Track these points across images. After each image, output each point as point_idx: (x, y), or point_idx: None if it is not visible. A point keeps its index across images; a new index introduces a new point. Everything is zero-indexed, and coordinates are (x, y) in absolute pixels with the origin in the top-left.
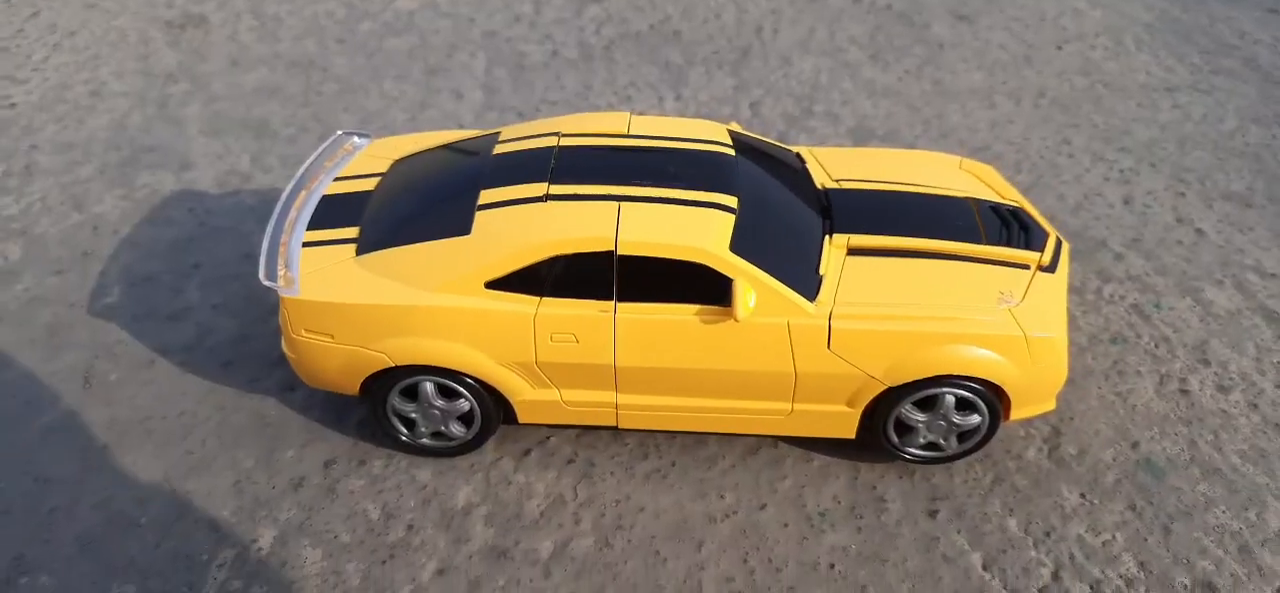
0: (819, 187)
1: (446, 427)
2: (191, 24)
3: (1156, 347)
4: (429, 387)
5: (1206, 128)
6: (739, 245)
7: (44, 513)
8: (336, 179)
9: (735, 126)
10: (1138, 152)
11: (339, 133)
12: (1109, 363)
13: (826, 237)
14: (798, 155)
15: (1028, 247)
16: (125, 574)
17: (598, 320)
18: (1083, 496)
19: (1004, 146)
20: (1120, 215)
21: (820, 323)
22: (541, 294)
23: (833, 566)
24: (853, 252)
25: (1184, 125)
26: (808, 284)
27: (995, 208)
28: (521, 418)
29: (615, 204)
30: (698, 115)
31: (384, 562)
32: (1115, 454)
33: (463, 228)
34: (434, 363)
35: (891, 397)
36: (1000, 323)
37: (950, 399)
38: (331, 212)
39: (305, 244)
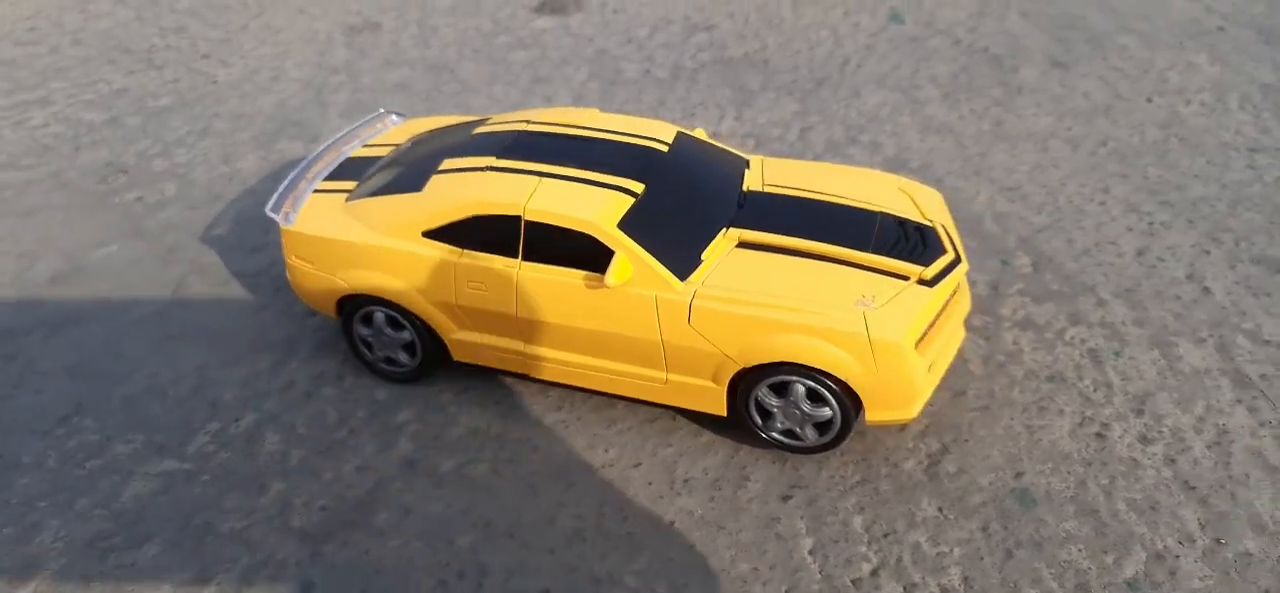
0: (744, 189)
1: (394, 354)
2: (368, 28)
3: (1095, 391)
4: (380, 316)
5: (1273, 191)
6: (629, 224)
7: (107, 378)
8: (365, 145)
9: (701, 132)
10: (1181, 207)
11: (381, 110)
12: (1035, 398)
13: (723, 230)
14: (746, 162)
15: (917, 262)
16: (141, 427)
17: (504, 274)
18: (940, 510)
19: (1035, 188)
20: (1125, 265)
21: (684, 300)
22: (464, 247)
23: (673, 523)
24: (742, 245)
25: (1249, 186)
26: (684, 266)
27: (901, 223)
28: (455, 355)
29: (537, 179)
30: (751, 135)
31: (321, 453)
32: (993, 480)
33: (418, 187)
34: (380, 294)
35: (749, 378)
36: (846, 320)
37: (800, 388)
38: (348, 170)
39: (316, 190)
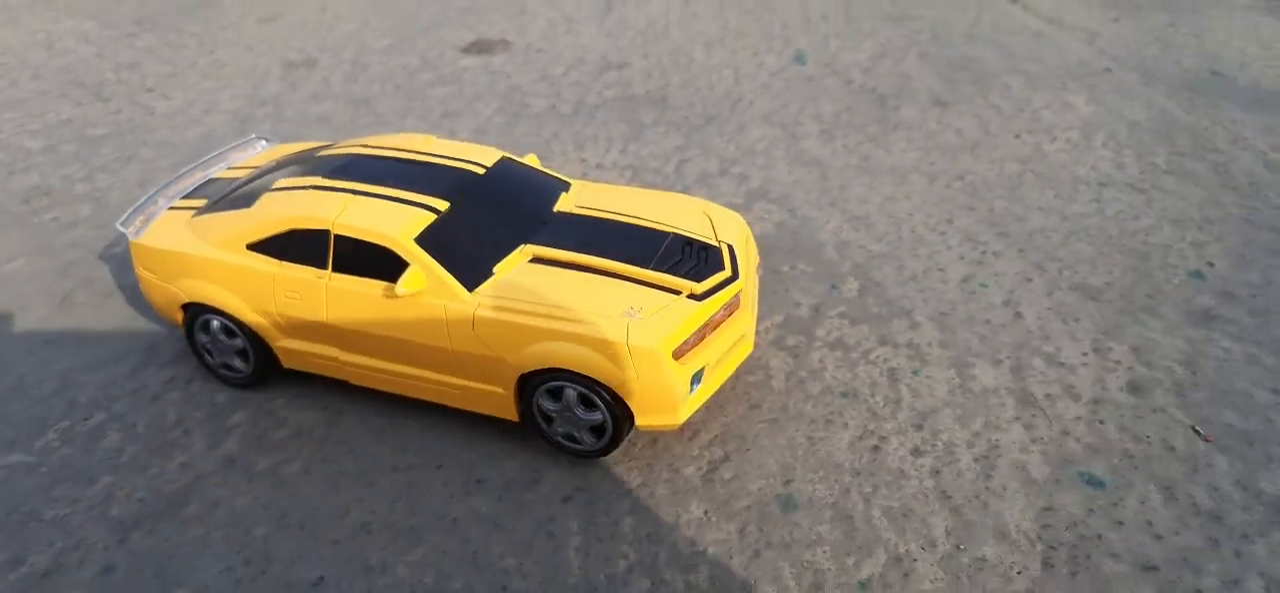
0: (554, 210)
1: (230, 360)
2: (305, 64)
3: (883, 407)
4: (215, 323)
5: (1109, 224)
6: (426, 238)
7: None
8: (228, 167)
9: (532, 159)
10: (1017, 237)
11: (252, 136)
12: (825, 412)
13: (521, 246)
14: (565, 186)
15: (692, 278)
16: (14, 404)
17: (314, 285)
18: (706, 513)
19: (882, 218)
20: (947, 291)
21: (469, 309)
22: (282, 259)
23: (457, 520)
24: (535, 260)
25: (1088, 218)
26: (473, 277)
27: (688, 243)
28: (284, 362)
29: (350, 196)
30: (630, 166)
31: (153, 449)
32: (762, 486)
33: (250, 204)
34: (211, 303)
35: (530, 383)
36: (609, 329)
37: (572, 394)
38: (204, 189)
39: (171, 207)
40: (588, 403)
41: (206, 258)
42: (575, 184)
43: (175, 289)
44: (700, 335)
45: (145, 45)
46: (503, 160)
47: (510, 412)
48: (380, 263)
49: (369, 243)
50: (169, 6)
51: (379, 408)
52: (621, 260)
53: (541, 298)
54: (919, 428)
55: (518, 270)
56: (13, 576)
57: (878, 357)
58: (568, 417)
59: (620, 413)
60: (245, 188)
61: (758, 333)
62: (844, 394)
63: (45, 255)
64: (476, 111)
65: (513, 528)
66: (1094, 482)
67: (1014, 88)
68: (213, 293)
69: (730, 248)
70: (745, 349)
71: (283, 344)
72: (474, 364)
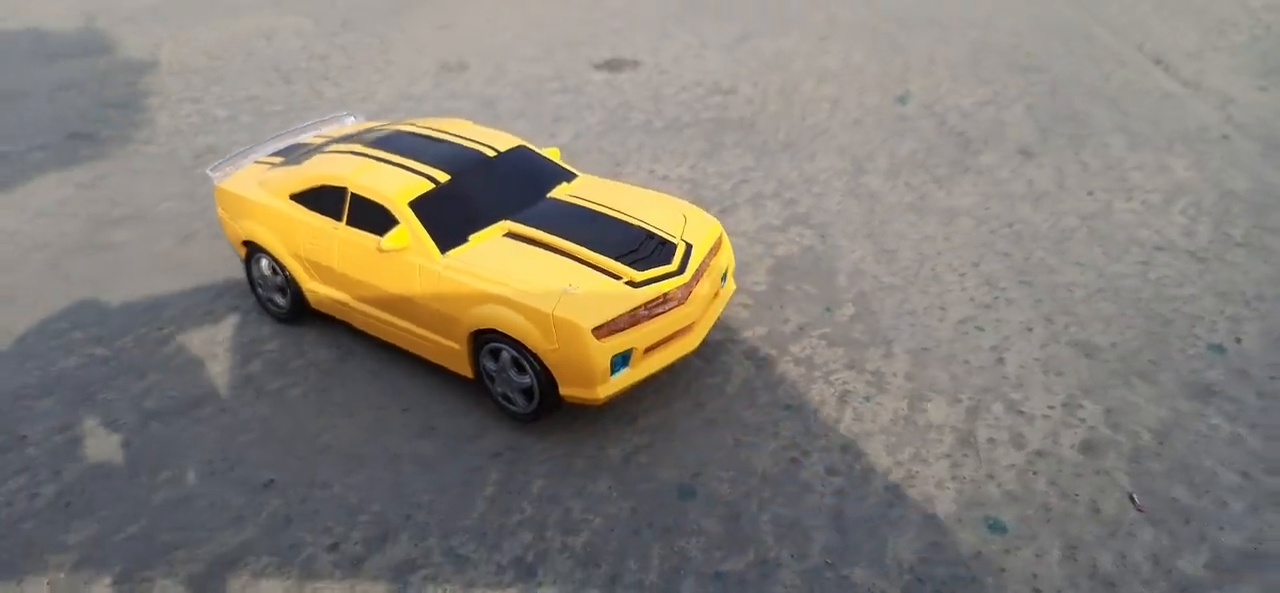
0: (547, 196)
1: (272, 296)
2: (458, 67)
3: (819, 425)
4: (264, 262)
5: (1145, 287)
6: (419, 203)
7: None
8: (315, 135)
9: (553, 152)
10: (1040, 288)
11: (343, 112)
12: (762, 420)
13: (502, 221)
14: (570, 176)
15: (637, 267)
16: (116, 311)
17: (330, 233)
18: (609, 489)
19: (909, 254)
20: (937, 329)
21: (436, 268)
22: (312, 209)
23: (398, 456)
24: (509, 235)
25: (1125, 279)
26: (448, 242)
27: (649, 236)
28: (310, 302)
29: (374, 162)
30: (688, 181)
31: (196, 360)
32: (671, 475)
33: (302, 162)
34: (259, 242)
35: (477, 343)
36: (540, 299)
37: (507, 356)
38: (288, 151)
39: (256, 161)
40: (520, 367)
41: (260, 203)
42: (581, 177)
43: (239, 228)
44: (630, 320)
45: (341, 42)
46: (517, 149)
47: (466, 368)
48: (382, 220)
49: (374, 201)
50: (373, 10)
51: (380, 355)
52: (583, 244)
53: (495, 267)
54: (845, 450)
55: (490, 242)
56: (57, 438)
57: (838, 379)
58: (504, 377)
59: (547, 380)
60: (311, 151)
61: (735, 342)
62: (788, 408)
63: (190, 200)
64: (582, 119)
65: (441, 471)
66: (996, 527)
67: (1113, 146)
68: (262, 233)
69: (688, 247)
70: (687, 345)
71: (309, 285)
72: (437, 319)
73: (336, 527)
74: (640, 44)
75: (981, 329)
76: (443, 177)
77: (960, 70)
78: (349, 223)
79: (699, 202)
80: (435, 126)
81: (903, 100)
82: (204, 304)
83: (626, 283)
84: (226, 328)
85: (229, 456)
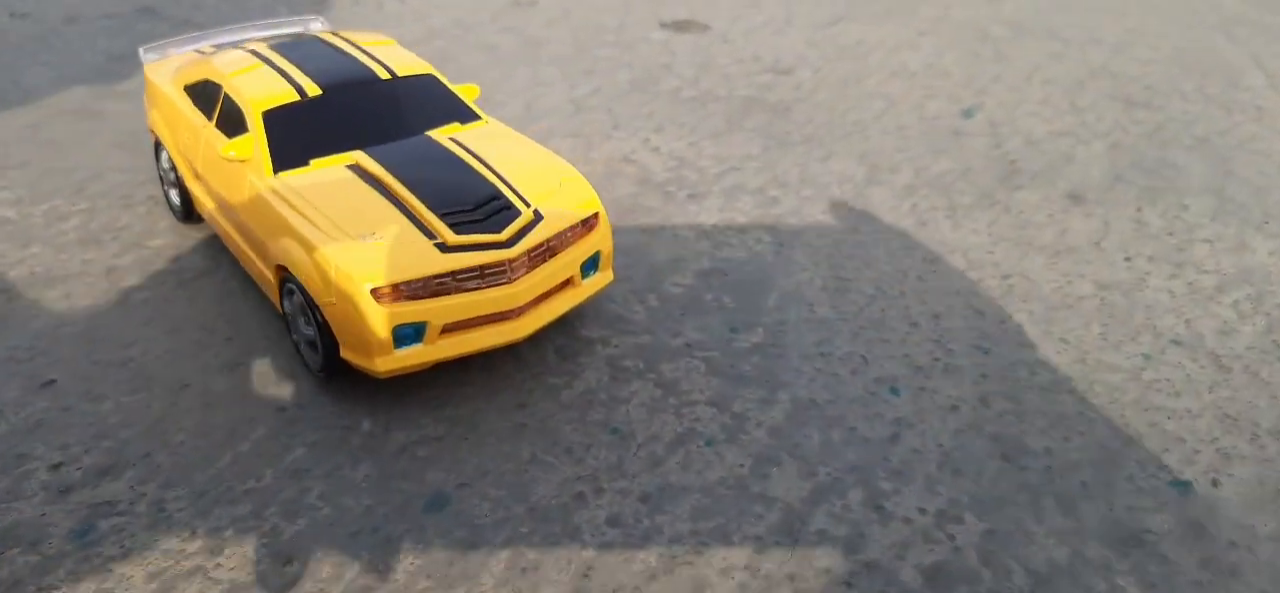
0: (425, 134)
1: (168, 191)
2: (527, 4)
3: (626, 464)
4: (164, 155)
5: (1134, 387)
6: (274, 115)
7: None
8: (263, 34)
9: (473, 90)
10: (998, 361)
11: (311, 16)
12: (576, 439)
13: (353, 151)
14: (471, 117)
15: (460, 230)
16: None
17: (200, 132)
18: (366, 476)
19: (865, 287)
20: (844, 384)
21: (262, 188)
22: (196, 104)
23: (186, 387)
24: (351, 166)
25: (1109, 374)
26: (286, 163)
27: (496, 197)
28: (196, 207)
29: (262, 65)
30: (680, 159)
31: (81, 248)
32: (439, 479)
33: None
34: (155, 132)
35: (281, 279)
36: (328, 244)
37: (297, 300)
38: (230, 46)
39: (196, 50)
40: (307, 316)
41: (162, 92)
42: (487, 122)
43: (149, 116)
44: (426, 288)
45: None
46: (419, 77)
47: (278, 302)
48: (242, 126)
49: (236, 104)
50: None
51: (245, 277)
52: (416, 192)
53: (313, 199)
54: (644, 501)
55: (327, 171)
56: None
57: (692, 415)
58: (295, 324)
59: (330, 337)
60: (235, 46)
61: (605, 344)
62: (614, 432)
63: None
64: (611, 76)
65: (214, 413)
66: None
67: (1192, 210)
68: (160, 124)
69: (535, 219)
70: (507, 333)
71: (190, 185)
72: (256, 243)
73: (73, 447)
74: (721, 9)
75: (896, 394)
76: (314, 91)
77: (1055, 92)
78: (217, 124)
79: (675, 183)
80: (351, 39)
81: (968, 113)
82: (128, 189)
83: (437, 244)
84: (129, 216)
85: (38, 346)
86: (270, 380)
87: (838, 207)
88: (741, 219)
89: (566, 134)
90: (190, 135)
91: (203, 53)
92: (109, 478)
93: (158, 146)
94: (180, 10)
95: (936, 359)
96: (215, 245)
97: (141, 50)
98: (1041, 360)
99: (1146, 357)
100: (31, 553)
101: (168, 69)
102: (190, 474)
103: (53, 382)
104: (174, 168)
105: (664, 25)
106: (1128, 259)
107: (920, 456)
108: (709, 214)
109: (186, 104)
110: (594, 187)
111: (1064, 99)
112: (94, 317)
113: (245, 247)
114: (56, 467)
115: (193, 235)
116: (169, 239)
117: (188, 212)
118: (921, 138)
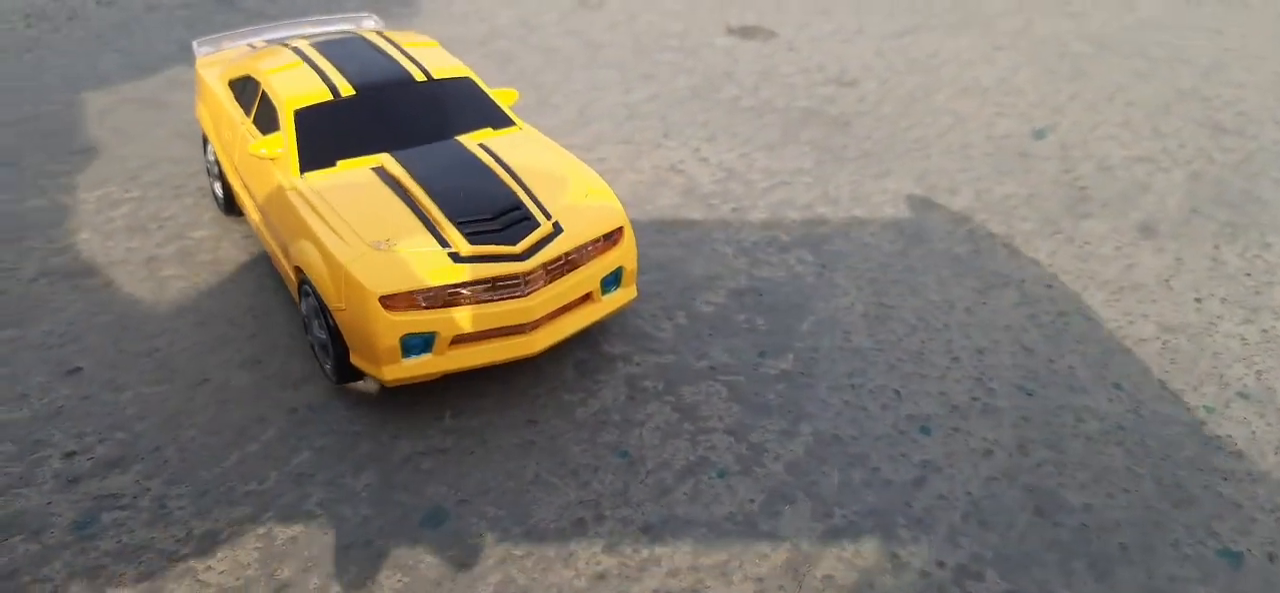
0: (455, 138)
1: (213, 183)
2: (595, 6)
3: (632, 491)
4: (210, 149)
5: (1190, 442)
6: (306, 113)
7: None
8: (320, 30)
9: (511, 94)
10: (1044, 406)
11: (364, 13)
12: (584, 461)
13: (381, 154)
14: (505, 123)
15: (475, 241)
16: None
17: (238, 128)
18: (367, 486)
19: (907, 316)
20: (873, 419)
21: (288, 187)
22: (238, 99)
23: (205, 381)
24: (377, 170)
25: (1165, 428)
26: (313, 163)
27: (516, 208)
28: (237, 201)
29: (301, 63)
30: (728, 170)
31: (127, 235)
32: (439, 493)
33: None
34: (201, 125)
35: (300, 280)
36: (342, 249)
37: (313, 302)
38: (283, 42)
39: (248, 44)
40: (321, 318)
41: (209, 86)
42: (521, 128)
43: (198, 108)
44: (437, 298)
45: None
46: (455, 79)
47: (299, 303)
48: (277, 123)
49: (272, 101)
50: None
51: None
52: (438, 200)
53: (334, 201)
54: (645, 532)
55: (353, 173)
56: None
57: (707, 442)
58: (312, 324)
59: (341, 342)
60: (281, 39)
61: (627, 362)
62: (623, 456)
63: None
64: (670, 82)
65: (228, 411)
66: None
67: (1276, 247)
68: (205, 118)
69: (554, 232)
70: (520, 347)
71: (231, 179)
72: (282, 243)
73: (88, 436)
74: (791, 15)
75: (926, 434)
76: (347, 91)
77: (1137, 115)
78: (255, 120)
79: (721, 195)
80: (393, 40)
81: (1039, 134)
82: (181, 180)
83: (451, 254)
84: (176, 206)
85: (71, 332)
86: (287, 380)
87: (888, 228)
88: (785, 237)
89: (616, 140)
90: (231, 130)
91: (254, 48)
92: (117, 471)
93: (206, 139)
94: (256, 1)
95: (975, 399)
96: (254, 240)
97: (195, 44)
98: (1090, 407)
99: (1208, 410)
100: (33, 542)
101: (217, 64)
102: (196, 472)
103: (79, 369)
104: (218, 161)
105: (730, 31)
106: (1198, 300)
107: (946, 503)
108: (752, 230)
109: (229, 99)
110: (637, 196)
111: (1145, 122)
112: (128, 305)
113: (273, 244)
114: (70, 455)
115: (234, 229)
116: (211, 231)
117: (230, 204)
118: (986, 158)
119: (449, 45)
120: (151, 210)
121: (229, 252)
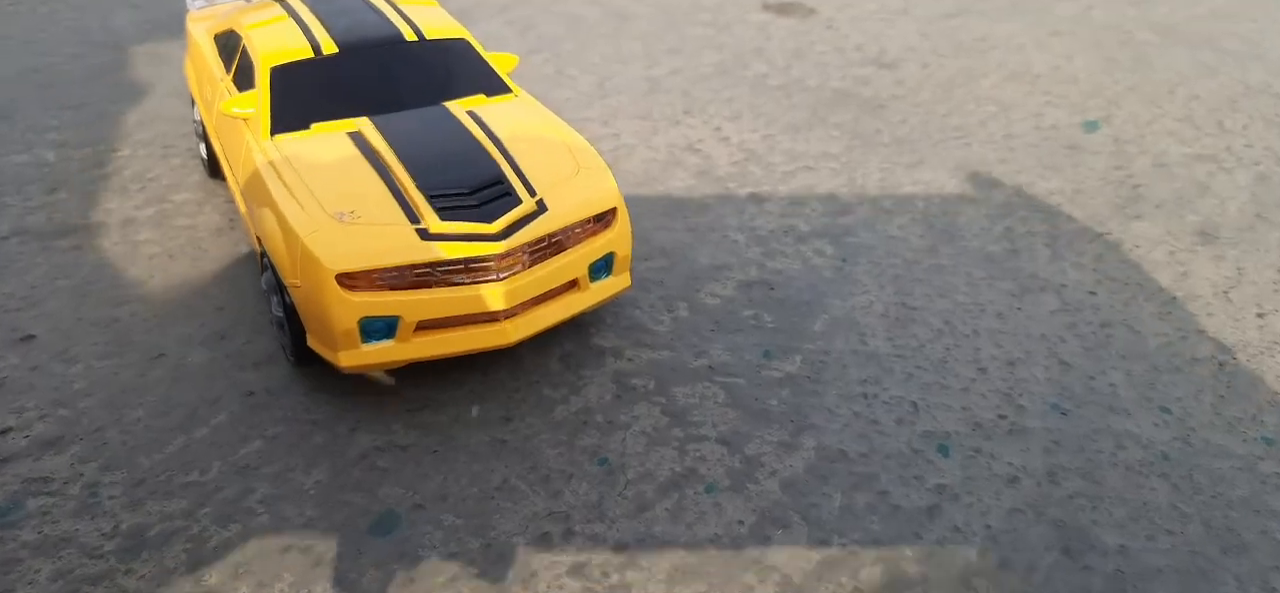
0: (443, 103)
1: (198, 144)
2: None
3: (607, 504)
4: (197, 108)
5: (1234, 473)
6: (283, 71)
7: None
8: None
9: (511, 59)
10: (1080, 424)
11: None
12: (558, 465)
13: (358, 118)
14: (501, 89)
15: (448, 217)
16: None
17: (218, 84)
18: (318, 482)
19: (932, 320)
20: (885, 434)
21: (256, 149)
22: (221, 54)
23: (162, 356)
24: (352, 135)
25: (1208, 459)
26: (286, 125)
27: (497, 182)
28: (218, 163)
29: (286, 16)
30: (749, 152)
31: (110, 196)
32: (395, 496)
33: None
34: (188, 82)
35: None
36: (302, 219)
37: (270, 276)
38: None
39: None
40: (278, 295)
41: (195, 41)
42: (518, 95)
43: (186, 65)
44: (401, 279)
45: None
46: (449, 41)
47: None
48: (254, 80)
49: (250, 57)
50: None
51: None
52: (413, 171)
53: (301, 168)
54: (618, 552)
55: (325, 138)
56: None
57: (697, 451)
58: (271, 298)
59: (298, 321)
60: None
61: (617, 356)
62: (603, 463)
63: None
64: (697, 57)
65: (181, 390)
66: None
67: None
68: (190, 74)
69: (537, 210)
70: (492, 337)
71: (211, 140)
72: (250, 207)
73: (29, 412)
74: None
75: (944, 455)
76: (330, 48)
77: (1200, 110)
78: (234, 77)
79: (738, 178)
80: None
81: (1091, 126)
82: (172, 140)
83: (419, 230)
84: (162, 167)
85: (32, 296)
86: (247, 360)
87: (918, 221)
88: (804, 226)
89: (633, 115)
90: (211, 87)
91: (249, 1)
92: (53, 451)
93: (193, 98)
94: None
95: (1002, 417)
96: (235, 206)
97: (189, 1)
98: (1133, 433)
99: (1268, 443)
100: None
101: (207, 18)
102: (135, 457)
103: (32, 337)
104: (201, 120)
105: (766, 6)
106: (1260, 316)
107: (961, 536)
108: (768, 217)
109: (213, 54)
110: (648, 175)
111: (1209, 118)
112: (95, 270)
113: (239, 206)
114: (5, 432)
115: (218, 193)
116: (193, 195)
117: (214, 167)
118: (1031, 150)
119: (468, 12)
120: (136, 170)
121: (209, 217)
